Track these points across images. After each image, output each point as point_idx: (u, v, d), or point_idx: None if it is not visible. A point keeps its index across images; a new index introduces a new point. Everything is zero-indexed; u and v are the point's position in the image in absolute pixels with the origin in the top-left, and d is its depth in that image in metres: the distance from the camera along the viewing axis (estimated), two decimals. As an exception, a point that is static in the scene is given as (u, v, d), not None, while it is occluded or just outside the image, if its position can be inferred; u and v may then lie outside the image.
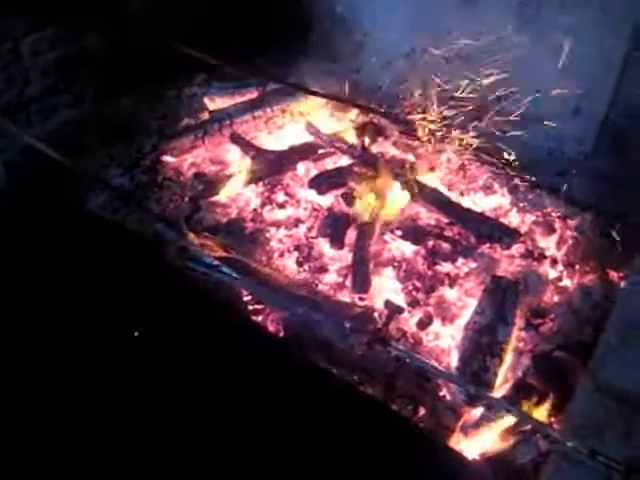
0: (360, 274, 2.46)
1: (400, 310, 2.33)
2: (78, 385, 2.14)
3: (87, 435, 2.02)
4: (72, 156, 2.78)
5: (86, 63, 3.21)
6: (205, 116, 3.32)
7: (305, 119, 3.22)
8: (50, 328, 2.29)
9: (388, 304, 2.32)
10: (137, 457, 1.97)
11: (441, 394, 2.17)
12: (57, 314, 2.33)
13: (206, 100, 3.38)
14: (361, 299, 2.41)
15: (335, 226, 2.68)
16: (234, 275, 2.27)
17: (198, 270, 2.33)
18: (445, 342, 2.34)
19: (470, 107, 3.11)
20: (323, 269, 2.55)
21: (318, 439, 1.99)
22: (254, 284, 2.25)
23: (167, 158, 3.09)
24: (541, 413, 2.09)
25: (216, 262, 2.31)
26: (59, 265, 2.47)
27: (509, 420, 2.03)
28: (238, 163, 3.05)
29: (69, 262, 2.47)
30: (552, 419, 2.09)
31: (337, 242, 2.62)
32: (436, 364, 2.20)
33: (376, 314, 2.31)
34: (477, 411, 2.10)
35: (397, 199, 2.78)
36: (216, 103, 3.36)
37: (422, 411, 2.14)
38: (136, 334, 2.29)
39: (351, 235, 2.64)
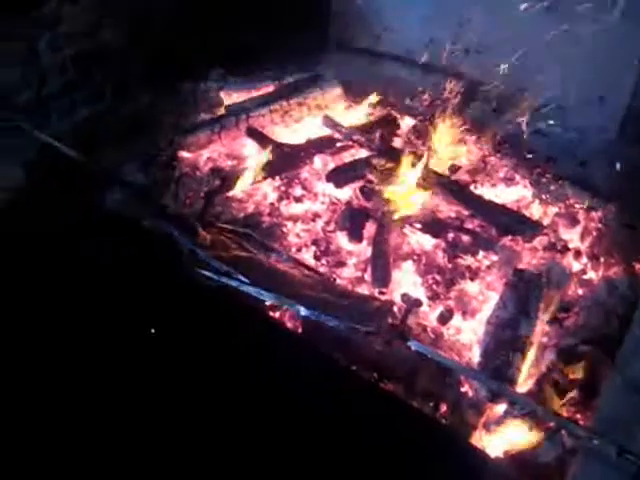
0: (380, 268, 2.42)
1: (418, 303, 2.28)
2: (89, 381, 2.12)
3: (93, 431, 2.01)
4: (89, 153, 2.79)
5: (103, 60, 3.19)
6: (221, 111, 3.29)
7: (323, 112, 3.17)
8: (63, 324, 2.27)
9: (405, 297, 2.26)
10: (147, 452, 1.96)
11: (463, 390, 2.13)
12: (72, 310, 2.32)
13: (222, 95, 3.35)
14: (381, 293, 2.37)
15: (353, 220, 2.64)
16: (242, 279, 2.23)
17: (206, 275, 2.28)
18: (466, 337, 2.29)
19: (491, 99, 3.09)
20: (341, 263, 2.51)
21: (338, 436, 1.95)
22: (262, 291, 2.20)
23: (183, 153, 3.06)
24: (566, 410, 2.03)
25: (224, 267, 2.27)
26: (76, 263, 2.45)
27: (533, 417, 1.98)
28: (255, 157, 3.01)
29: (86, 259, 2.45)
30: (578, 416, 2.03)
31: (356, 236, 2.58)
32: (457, 359, 2.16)
33: (395, 308, 2.27)
34: (500, 407, 2.05)
35: (417, 192, 2.72)
36: (232, 97, 3.33)
37: (444, 408, 2.09)
38: (152, 331, 2.27)
39: (370, 229, 2.60)
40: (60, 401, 2.07)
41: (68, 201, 2.70)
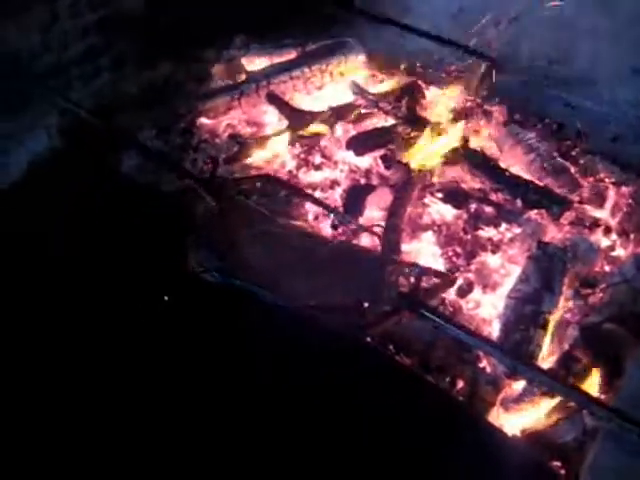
0: (390, 242, 2.34)
1: (429, 271, 2.20)
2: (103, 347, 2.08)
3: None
4: (109, 119, 2.76)
5: (126, 25, 3.14)
6: (242, 78, 3.22)
7: (345, 79, 3.10)
8: (82, 292, 2.23)
9: (415, 267, 2.17)
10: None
11: (481, 366, 2.06)
12: (89, 276, 2.28)
13: (244, 61, 3.29)
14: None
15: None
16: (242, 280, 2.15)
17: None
18: (486, 311, 2.22)
19: (519, 71, 3.01)
20: (358, 232, 2.44)
21: (350, 411, 1.89)
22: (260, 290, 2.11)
23: (202, 120, 3.02)
24: (588, 388, 1.95)
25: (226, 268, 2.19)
26: (93, 228, 2.42)
27: (553, 395, 1.91)
28: (275, 124, 2.96)
29: (102, 223, 2.43)
30: (601, 396, 1.94)
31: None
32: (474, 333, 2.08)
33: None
34: (519, 385, 1.98)
35: (440, 162, 2.65)
36: (254, 64, 3.27)
37: (460, 384, 2.03)
38: (166, 299, 2.22)
39: (387, 198, 2.52)
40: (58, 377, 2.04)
41: (89, 166, 2.68)
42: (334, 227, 2.45)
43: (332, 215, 2.47)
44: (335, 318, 2.04)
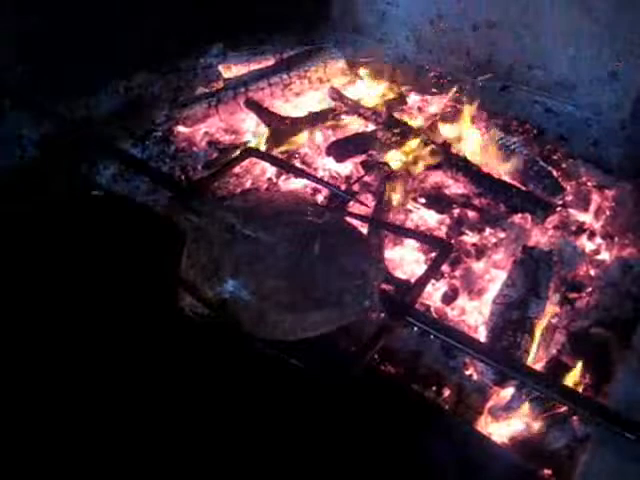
0: (374, 249, 2.29)
1: (408, 283, 2.14)
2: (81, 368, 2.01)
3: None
4: (84, 128, 2.72)
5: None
6: (220, 85, 3.19)
7: (324, 86, 3.07)
8: (57, 303, 2.15)
9: (393, 280, 2.10)
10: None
11: (467, 373, 2.01)
12: (65, 287, 2.20)
13: (221, 68, 3.26)
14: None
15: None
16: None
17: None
18: (472, 317, 2.17)
19: (500, 76, 3.00)
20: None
21: (335, 423, 1.84)
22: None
23: (180, 128, 2.97)
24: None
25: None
26: (68, 238, 2.35)
27: (543, 401, 1.87)
28: (253, 131, 2.92)
29: (77, 235, 2.35)
30: (590, 401, 1.92)
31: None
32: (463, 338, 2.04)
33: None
34: (507, 392, 1.94)
35: (422, 167, 2.62)
36: (232, 71, 3.23)
37: (447, 392, 1.98)
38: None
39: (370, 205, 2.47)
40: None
41: (62, 176, 2.65)
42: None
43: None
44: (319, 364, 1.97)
